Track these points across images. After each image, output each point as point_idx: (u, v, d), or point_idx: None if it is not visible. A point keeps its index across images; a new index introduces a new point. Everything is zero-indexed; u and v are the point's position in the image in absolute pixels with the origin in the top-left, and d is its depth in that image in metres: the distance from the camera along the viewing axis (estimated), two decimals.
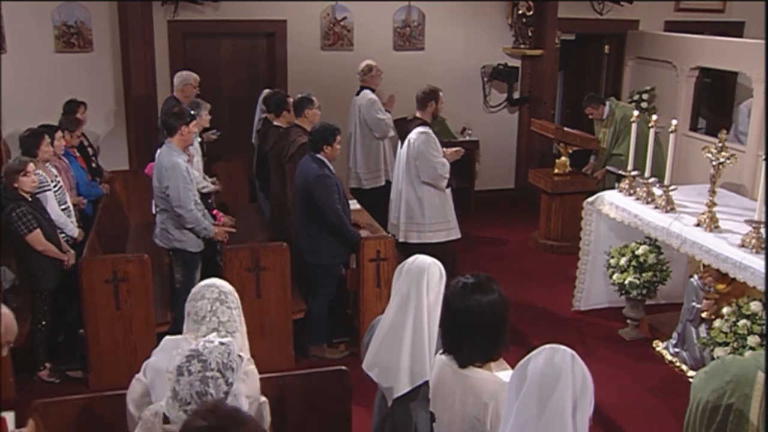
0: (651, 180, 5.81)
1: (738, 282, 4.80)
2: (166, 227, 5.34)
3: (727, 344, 4.73)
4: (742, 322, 4.69)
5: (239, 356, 2.55)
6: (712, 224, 5.11)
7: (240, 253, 5.30)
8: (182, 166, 5.20)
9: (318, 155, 5.43)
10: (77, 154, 6.53)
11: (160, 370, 2.99)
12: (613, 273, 5.96)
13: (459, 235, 6.45)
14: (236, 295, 3.13)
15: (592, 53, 10.13)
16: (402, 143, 6.33)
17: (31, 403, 3.39)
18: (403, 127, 6.37)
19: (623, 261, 5.87)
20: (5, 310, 2.45)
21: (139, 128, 8.03)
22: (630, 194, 5.91)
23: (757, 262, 4.58)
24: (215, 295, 3.04)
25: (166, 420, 2.48)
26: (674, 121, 5.65)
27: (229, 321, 3.03)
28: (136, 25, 7.79)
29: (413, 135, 6.13)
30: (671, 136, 5.49)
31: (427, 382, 2.82)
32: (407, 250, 5.53)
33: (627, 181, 5.98)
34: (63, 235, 5.44)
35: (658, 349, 5.73)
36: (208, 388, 2.43)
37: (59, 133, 5.93)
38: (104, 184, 6.84)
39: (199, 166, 6.22)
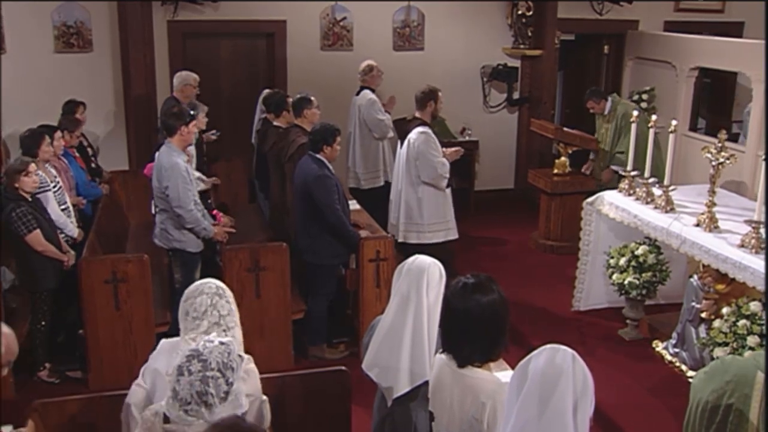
0: (651, 180, 5.82)
1: (737, 282, 4.80)
2: (165, 227, 5.34)
3: (726, 344, 4.72)
4: (742, 322, 4.69)
5: (239, 356, 2.55)
6: (711, 224, 5.11)
7: (240, 253, 5.30)
8: (182, 167, 5.20)
9: (318, 155, 5.43)
10: (77, 154, 6.53)
11: (160, 373, 3.00)
12: (612, 273, 5.96)
13: (457, 236, 6.45)
14: (230, 292, 3.19)
15: (592, 53, 10.13)
16: (401, 143, 6.33)
17: (30, 403, 3.39)
18: (402, 128, 6.37)
19: (623, 261, 5.87)
20: (6, 329, 2.45)
21: (139, 128, 8.03)
22: (629, 194, 5.92)
23: (756, 262, 4.58)
24: (213, 290, 3.08)
25: (166, 420, 2.48)
26: (674, 122, 5.65)
27: (229, 315, 3.08)
28: (136, 25, 7.78)
29: (413, 135, 6.13)
30: (671, 136, 5.49)
31: (426, 382, 2.82)
32: (406, 250, 5.54)
33: (627, 181, 5.98)
34: (63, 235, 5.44)
35: (657, 349, 5.73)
36: (208, 388, 2.43)
37: (58, 134, 5.93)
38: (104, 184, 6.84)
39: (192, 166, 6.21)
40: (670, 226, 5.34)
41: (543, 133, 8.20)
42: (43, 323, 5.25)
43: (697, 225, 5.19)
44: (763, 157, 4.80)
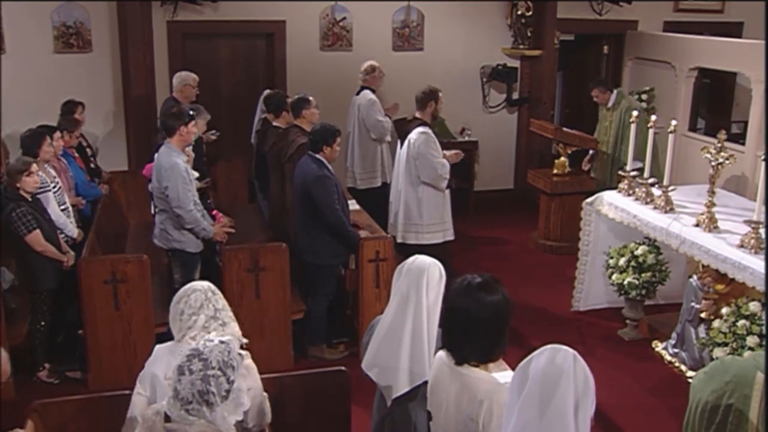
0: (650, 180, 5.82)
1: (737, 282, 4.80)
2: (165, 228, 5.34)
3: (726, 344, 4.73)
4: (741, 322, 4.69)
5: (239, 354, 2.56)
6: (711, 224, 5.11)
7: (239, 253, 5.30)
8: (181, 167, 5.19)
9: (317, 156, 5.43)
10: (76, 154, 6.52)
11: (158, 378, 3.00)
12: (612, 273, 5.96)
13: (453, 237, 6.45)
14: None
15: (591, 53, 10.13)
16: (401, 144, 6.33)
17: (30, 403, 3.39)
18: (402, 128, 6.37)
19: (622, 261, 5.87)
20: (3, 353, 2.45)
21: (139, 129, 8.03)
22: (629, 194, 5.92)
23: (756, 263, 4.59)
24: (206, 287, 3.17)
25: (167, 419, 2.48)
26: (673, 122, 5.65)
27: (224, 309, 3.15)
28: (136, 25, 7.78)
29: (413, 135, 6.13)
30: (670, 136, 5.49)
31: (426, 382, 2.82)
32: (406, 250, 5.53)
33: (626, 181, 5.98)
34: (63, 235, 5.44)
35: (657, 349, 5.73)
36: (209, 387, 2.43)
37: (58, 134, 5.93)
38: (103, 184, 6.84)
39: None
40: (669, 227, 5.34)
41: (542, 134, 8.20)
42: (42, 323, 5.24)
43: (697, 225, 5.19)
44: (763, 157, 4.80)
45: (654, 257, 5.81)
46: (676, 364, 5.47)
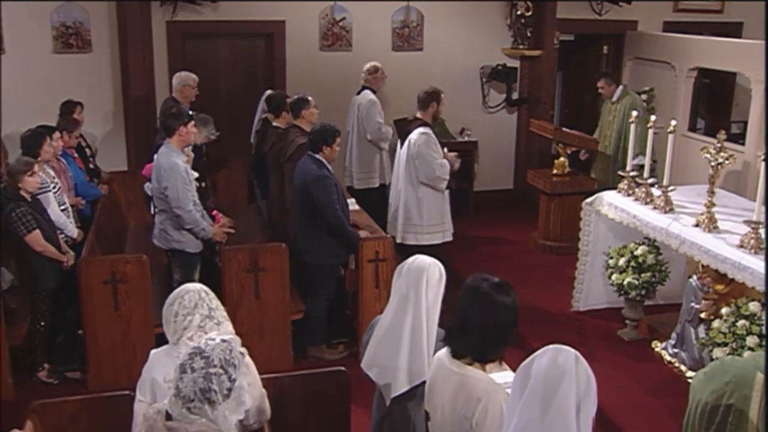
0: (650, 180, 5.82)
1: (737, 282, 4.80)
2: (164, 228, 5.34)
3: (725, 345, 4.73)
4: (741, 322, 4.69)
5: (240, 352, 2.56)
6: (710, 225, 5.11)
7: (239, 253, 5.30)
8: (181, 167, 5.19)
9: (317, 156, 5.42)
10: (75, 154, 6.51)
11: (158, 382, 3.00)
12: (612, 273, 5.96)
13: (451, 237, 6.45)
14: None
15: (591, 54, 10.14)
16: (402, 144, 6.32)
17: (29, 403, 3.39)
18: (403, 128, 6.36)
19: (622, 261, 5.87)
20: None
21: (138, 129, 8.02)
22: (629, 195, 5.92)
23: (755, 263, 4.59)
24: (198, 287, 3.17)
25: (168, 417, 2.48)
26: (673, 122, 5.66)
27: (218, 308, 3.14)
28: (135, 25, 7.78)
29: (414, 135, 6.12)
30: (670, 136, 5.49)
31: (425, 382, 2.82)
32: (405, 251, 5.53)
33: (626, 181, 5.98)
34: (62, 235, 5.43)
35: (657, 349, 5.73)
36: (211, 385, 2.43)
37: (57, 134, 5.92)
38: (103, 185, 6.83)
39: None
40: (669, 227, 5.34)
41: (542, 134, 8.19)
42: (42, 323, 5.24)
43: (697, 225, 5.19)
44: (763, 157, 4.80)
45: (654, 257, 5.81)
46: (676, 365, 5.47)
